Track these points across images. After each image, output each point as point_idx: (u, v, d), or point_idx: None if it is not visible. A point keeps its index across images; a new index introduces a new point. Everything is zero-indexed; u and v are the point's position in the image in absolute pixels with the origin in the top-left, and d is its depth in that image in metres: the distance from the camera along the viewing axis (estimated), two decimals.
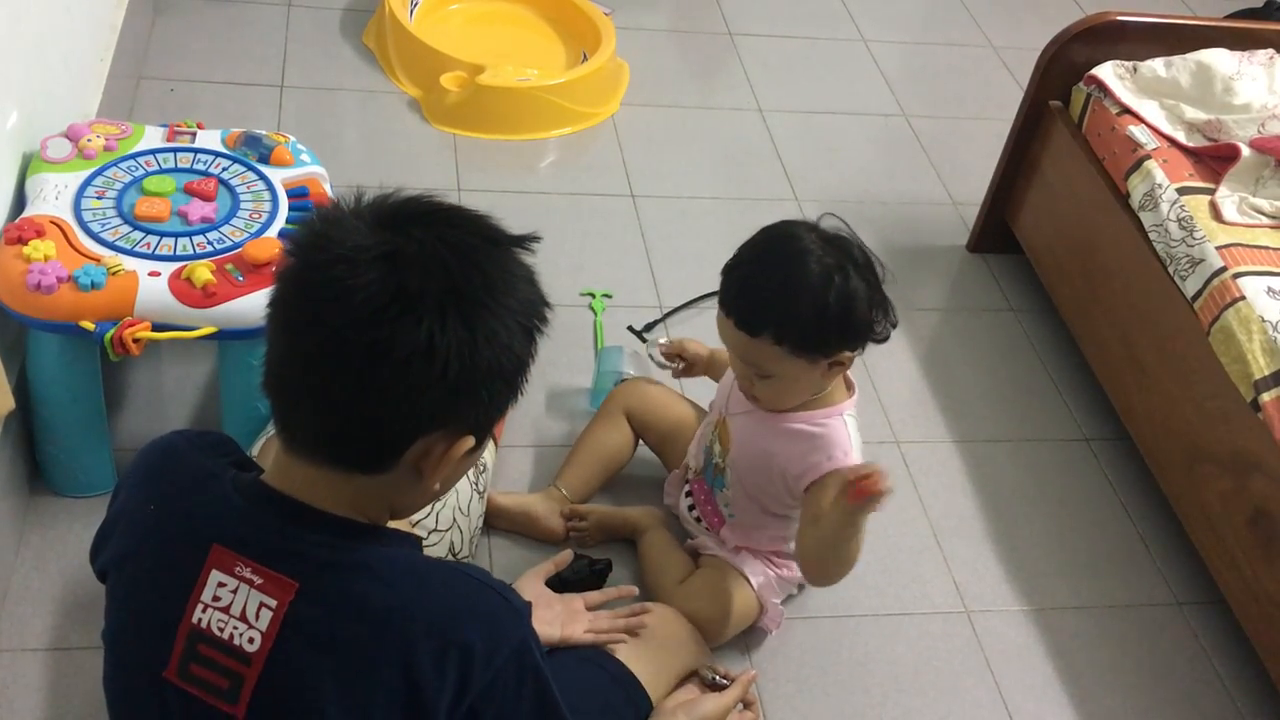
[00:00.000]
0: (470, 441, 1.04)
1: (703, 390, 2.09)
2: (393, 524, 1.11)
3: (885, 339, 1.60)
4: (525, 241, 1.05)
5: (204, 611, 1.04)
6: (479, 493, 1.79)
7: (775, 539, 1.77)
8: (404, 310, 0.95)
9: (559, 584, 1.79)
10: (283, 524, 1.03)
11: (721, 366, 1.85)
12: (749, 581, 1.76)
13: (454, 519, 1.70)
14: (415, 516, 1.64)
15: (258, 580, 1.03)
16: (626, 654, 1.51)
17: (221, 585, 1.04)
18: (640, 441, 1.98)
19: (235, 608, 1.03)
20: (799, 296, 1.49)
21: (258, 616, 1.02)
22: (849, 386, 1.69)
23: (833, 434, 1.62)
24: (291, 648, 1.02)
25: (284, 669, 1.02)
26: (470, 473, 1.75)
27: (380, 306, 0.94)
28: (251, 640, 1.02)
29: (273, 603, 1.02)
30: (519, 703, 1.06)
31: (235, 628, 1.03)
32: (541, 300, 1.05)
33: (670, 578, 1.78)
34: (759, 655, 1.81)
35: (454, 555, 1.68)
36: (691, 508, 1.85)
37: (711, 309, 2.35)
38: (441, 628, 1.02)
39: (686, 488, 1.87)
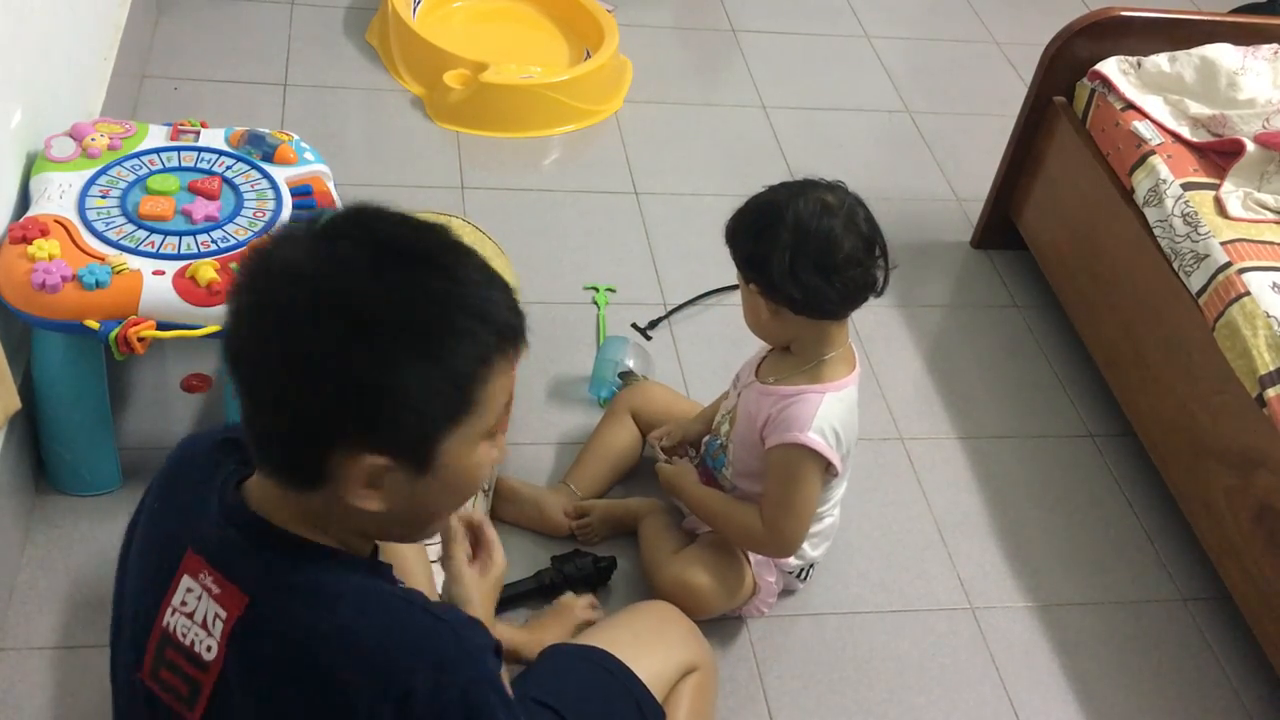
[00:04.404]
0: (380, 461, 0.97)
1: (705, 390, 2.09)
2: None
3: (790, 304, 1.59)
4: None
5: (173, 615, 1.05)
6: (484, 491, 1.79)
7: None
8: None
9: (564, 581, 1.80)
10: (246, 537, 1.02)
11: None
12: (745, 556, 1.78)
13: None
14: None
15: (215, 590, 1.02)
16: (626, 652, 1.51)
17: (189, 591, 1.03)
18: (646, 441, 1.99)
19: (198, 615, 1.03)
20: (745, 209, 1.62)
21: (214, 626, 1.02)
22: (850, 367, 1.69)
23: (801, 408, 1.64)
24: (240, 662, 1.01)
25: (234, 682, 1.01)
26: None
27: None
28: (209, 649, 1.02)
29: (224, 614, 1.01)
30: None
31: (196, 635, 1.03)
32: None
33: (666, 550, 1.80)
34: (764, 652, 1.81)
35: None
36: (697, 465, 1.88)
37: (715, 306, 2.36)
38: (383, 666, 0.98)
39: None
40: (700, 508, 1.78)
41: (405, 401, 0.95)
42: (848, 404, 1.66)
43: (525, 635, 1.65)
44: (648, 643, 1.58)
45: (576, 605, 1.73)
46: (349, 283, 0.94)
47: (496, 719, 1.02)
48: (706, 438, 1.86)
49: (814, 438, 1.62)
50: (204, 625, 1.02)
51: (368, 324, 0.93)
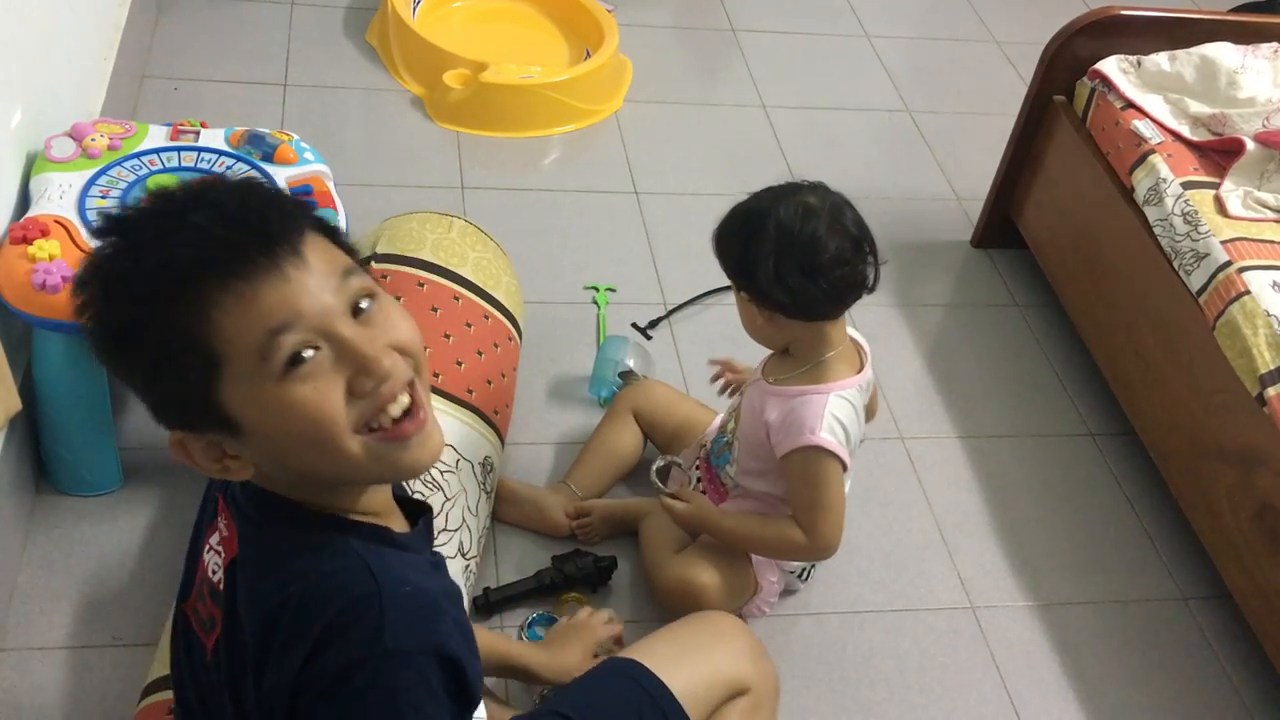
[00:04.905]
0: (178, 435, 1.00)
1: (706, 389, 2.09)
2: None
3: (781, 308, 1.58)
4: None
5: (208, 553, 1.11)
6: (486, 493, 1.79)
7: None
8: None
9: (563, 580, 1.80)
10: (244, 490, 1.06)
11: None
12: (747, 556, 1.78)
13: (463, 518, 1.70)
14: None
15: (225, 533, 1.08)
16: (665, 665, 1.45)
17: (219, 531, 1.09)
18: (648, 441, 1.99)
19: (221, 554, 1.08)
20: (729, 218, 1.62)
21: (222, 564, 1.08)
22: (855, 369, 1.69)
23: (807, 409, 1.63)
24: (234, 600, 1.05)
25: (232, 618, 1.05)
26: (478, 473, 1.76)
27: None
28: (223, 586, 1.08)
29: (224, 555, 1.07)
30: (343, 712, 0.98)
31: (221, 574, 1.08)
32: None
33: (667, 550, 1.79)
34: None
35: (463, 554, 1.68)
36: (698, 480, 1.86)
37: (715, 306, 2.36)
38: (299, 614, 0.98)
39: (696, 461, 1.88)
40: (731, 537, 1.75)
41: (145, 384, 0.99)
42: (853, 403, 1.66)
43: (543, 656, 1.60)
44: (690, 658, 1.50)
45: (597, 623, 1.66)
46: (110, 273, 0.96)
47: (356, 709, 0.97)
48: (712, 436, 1.85)
49: (826, 437, 1.62)
50: (221, 563, 1.08)
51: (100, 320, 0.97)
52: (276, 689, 0.99)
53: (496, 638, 1.63)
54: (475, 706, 1.06)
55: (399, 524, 1.11)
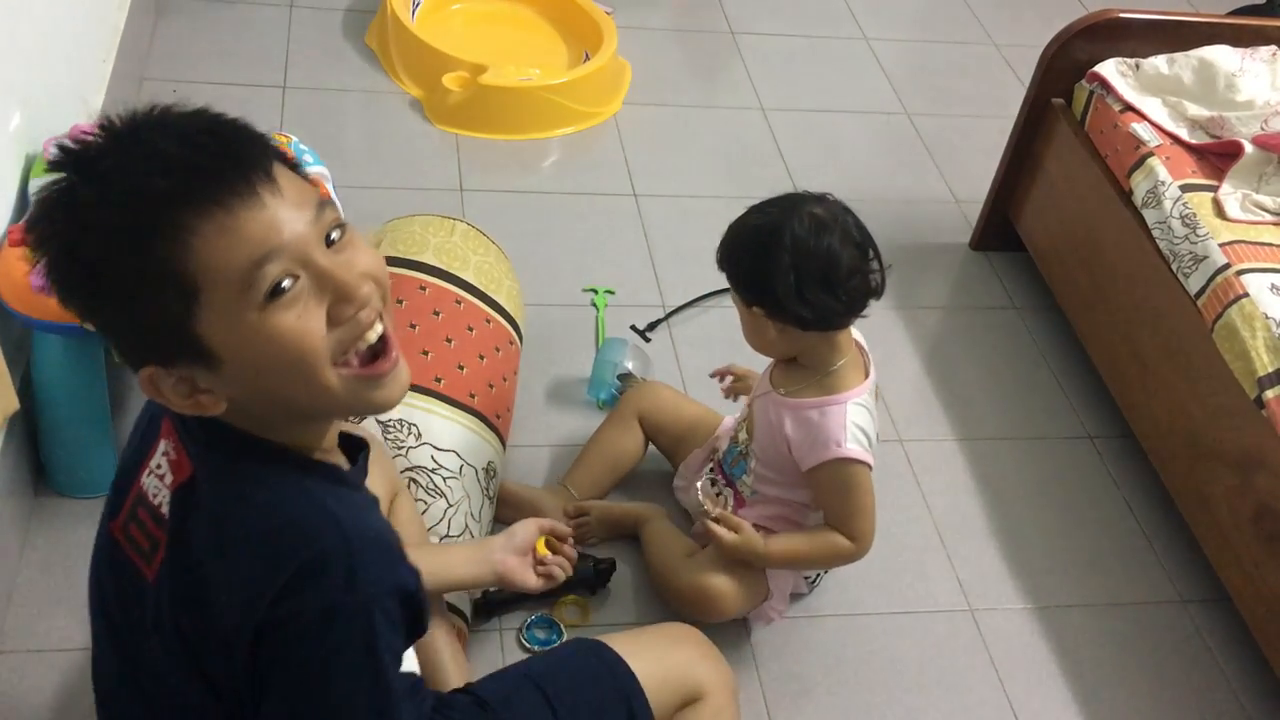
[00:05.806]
0: (148, 371, 0.97)
1: (705, 392, 2.09)
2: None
3: (799, 322, 1.58)
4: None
5: (148, 476, 1.08)
6: (489, 499, 1.79)
7: (791, 523, 1.77)
8: None
9: (562, 583, 1.79)
10: (200, 424, 1.04)
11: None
12: None
13: (466, 524, 1.70)
14: (429, 523, 1.65)
15: (172, 455, 1.06)
16: (629, 655, 1.45)
17: (165, 454, 1.07)
18: (650, 444, 1.99)
19: (167, 478, 1.06)
20: (738, 234, 1.60)
21: (167, 486, 1.06)
22: (863, 373, 1.69)
23: (828, 422, 1.64)
24: (174, 525, 1.04)
25: (180, 543, 1.04)
26: (481, 479, 1.76)
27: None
28: (167, 510, 1.06)
29: (170, 479, 1.05)
30: (304, 660, 0.99)
31: (163, 496, 1.06)
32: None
33: (678, 555, 1.79)
34: (763, 654, 1.81)
35: None
36: (713, 483, 1.85)
37: (713, 308, 2.36)
38: (269, 553, 0.99)
39: (709, 466, 1.87)
40: (782, 561, 1.74)
41: (116, 319, 0.96)
42: (868, 408, 1.67)
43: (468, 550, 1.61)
44: (649, 654, 1.49)
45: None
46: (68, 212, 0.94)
47: (341, 651, 0.99)
48: (723, 443, 1.85)
49: (853, 448, 1.63)
50: (167, 486, 1.06)
51: (69, 253, 0.94)
52: (238, 626, 0.99)
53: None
54: (424, 634, 1.10)
55: (342, 461, 1.12)
